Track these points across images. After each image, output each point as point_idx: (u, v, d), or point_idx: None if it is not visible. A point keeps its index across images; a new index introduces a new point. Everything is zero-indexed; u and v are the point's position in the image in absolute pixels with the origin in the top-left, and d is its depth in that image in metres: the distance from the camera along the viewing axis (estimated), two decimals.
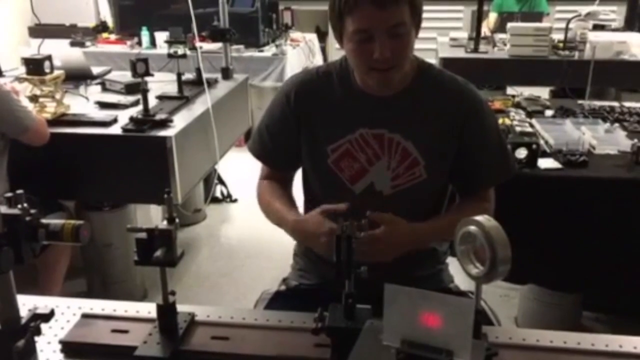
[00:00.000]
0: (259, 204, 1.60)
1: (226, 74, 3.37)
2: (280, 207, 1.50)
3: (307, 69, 1.63)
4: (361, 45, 1.33)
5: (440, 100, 1.45)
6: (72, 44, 4.54)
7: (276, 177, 1.61)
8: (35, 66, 2.39)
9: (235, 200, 4.09)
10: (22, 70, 2.61)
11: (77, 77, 3.08)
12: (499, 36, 4.44)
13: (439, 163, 1.46)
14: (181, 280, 3.08)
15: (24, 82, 2.50)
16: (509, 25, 4.15)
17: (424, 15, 1.40)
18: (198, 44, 3.05)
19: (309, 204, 1.58)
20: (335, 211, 1.33)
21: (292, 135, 1.52)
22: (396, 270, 1.43)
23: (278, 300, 1.57)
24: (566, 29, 4.08)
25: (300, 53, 4.94)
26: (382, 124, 1.43)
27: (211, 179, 3.69)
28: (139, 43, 4.65)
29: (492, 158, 1.50)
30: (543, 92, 3.65)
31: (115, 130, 2.45)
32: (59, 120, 2.49)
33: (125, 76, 2.91)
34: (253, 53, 4.60)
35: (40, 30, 4.58)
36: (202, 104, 2.84)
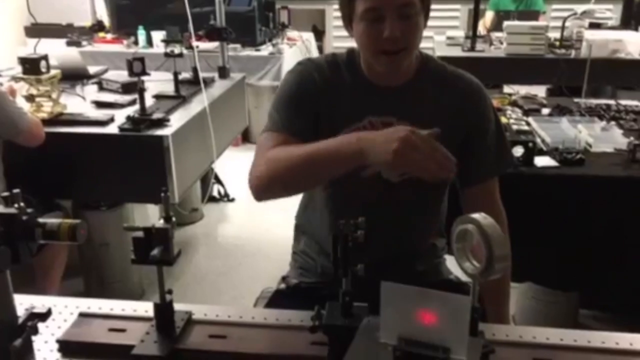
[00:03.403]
0: (272, 168, 1.30)
1: (223, 73, 3.37)
2: (317, 144, 1.27)
3: (313, 56, 1.59)
4: (371, 26, 1.33)
5: (445, 90, 1.46)
6: (69, 44, 4.54)
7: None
8: (31, 66, 2.39)
9: (232, 200, 4.09)
10: (18, 70, 2.61)
11: (73, 77, 3.08)
12: (496, 35, 4.45)
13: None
14: (179, 280, 3.07)
15: (20, 81, 2.49)
16: (506, 23, 4.16)
17: None
18: (195, 43, 3.05)
19: (310, 195, 1.57)
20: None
21: (314, 103, 1.42)
22: (396, 266, 1.44)
23: (278, 299, 1.57)
24: (562, 28, 4.09)
25: (297, 52, 4.94)
26: (390, 112, 1.43)
27: (208, 178, 3.69)
28: (136, 42, 4.65)
29: (496, 147, 1.51)
30: (539, 91, 3.66)
31: (112, 129, 2.44)
32: (56, 119, 2.49)
33: (122, 75, 2.91)
34: (250, 52, 4.61)
35: (36, 30, 4.57)
36: (199, 103, 2.84)
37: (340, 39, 6.22)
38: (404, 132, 1.15)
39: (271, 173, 1.31)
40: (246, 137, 5.01)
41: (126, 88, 2.89)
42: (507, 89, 3.91)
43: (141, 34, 4.61)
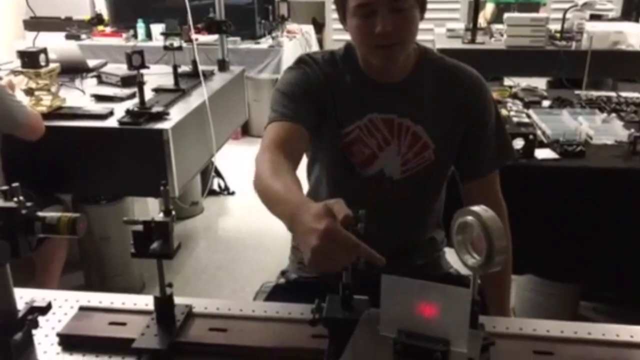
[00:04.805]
0: (255, 183, 1.24)
1: (222, 66, 3.36)
2: (281, 188, 1.15)
3: (312, 53, 1.58)
4: (364, 21, 1.33)
5: (445, 83, 1.46)
6: (68, 37, 4.52)
7: (287, 141, 1.31)
8: (30, 59, 2.38)
9: (232, 193, 4.09)
10: (17, 64, 2.60)
11: (72, 70, 3.07)
12: (496, 27, 4.43)
13: (447, 146, 1.47)
14: (179, 273, 3.08)
15: (19, 75, 2.49)
16: (506, 15, 4.14)
17: None
18: (194, 36, 3.04)
19: (313, 191, 1.56)
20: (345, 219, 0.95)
21: (317, 99, 1.40)
22: (396, 260, 1.43)
23: (278, 293, 1.56)
24: (563, 19, 4.08)
25: (297, 45, 4.92)
26: (391, 109, 1.43)
27: (208, 171, 3.68)
28: (135, 35, 4.64)
29: (496, 139, 1.51)
30: (540, 83, 3.65)
31: (112, 123, 2.44)
32: (55, 113, 2.48)
33: (121, 69, 2.90)
34: (249, 45, 4.59)
35: (35, 24, 4.55)
36: (198, 97, 2.83)
37: (341, 32, 6.17)
38: (325, 223, 0.93)
39: (254, 181, 1.25)
40: (246, 131, 5.01)
41: (125, 81, 2.88)
42: (507, 81, 3.89)
43: (140, 27, 4.59)
